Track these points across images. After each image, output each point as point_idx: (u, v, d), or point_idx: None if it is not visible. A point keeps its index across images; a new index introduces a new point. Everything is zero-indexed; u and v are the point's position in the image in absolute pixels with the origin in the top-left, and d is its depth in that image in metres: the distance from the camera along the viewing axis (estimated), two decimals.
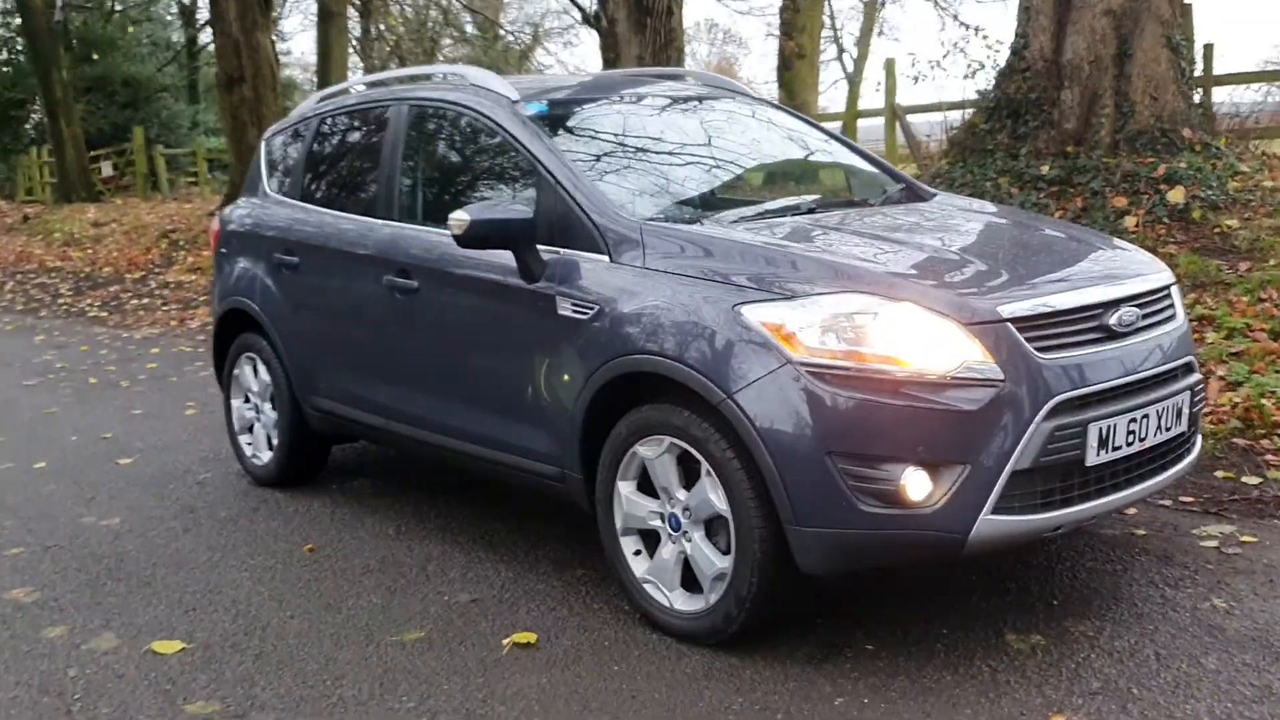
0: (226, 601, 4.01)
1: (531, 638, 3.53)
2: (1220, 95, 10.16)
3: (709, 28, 45.35)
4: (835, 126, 14.84)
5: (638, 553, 3.59)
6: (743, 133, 4.50)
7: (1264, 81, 9.84)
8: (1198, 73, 9.46)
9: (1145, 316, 3.37)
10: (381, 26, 29.98)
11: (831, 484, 3.05)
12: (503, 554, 4.29)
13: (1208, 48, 9.68)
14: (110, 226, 18.64)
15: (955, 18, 22.10)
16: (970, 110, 8.57)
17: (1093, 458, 3.14)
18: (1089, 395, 3.14)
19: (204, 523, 4.90)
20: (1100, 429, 3.14)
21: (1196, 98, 9.41)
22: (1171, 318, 3.52)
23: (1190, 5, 9.00)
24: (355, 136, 5.03)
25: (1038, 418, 3.05)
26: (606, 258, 3.61)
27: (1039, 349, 3.10)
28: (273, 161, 5.49)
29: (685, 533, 3.41)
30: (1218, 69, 10.23)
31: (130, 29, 29.53)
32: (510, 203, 3.77)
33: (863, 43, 38.34)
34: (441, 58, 37.99)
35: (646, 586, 3.54)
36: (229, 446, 5.67)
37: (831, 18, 42.23)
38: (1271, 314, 5.72)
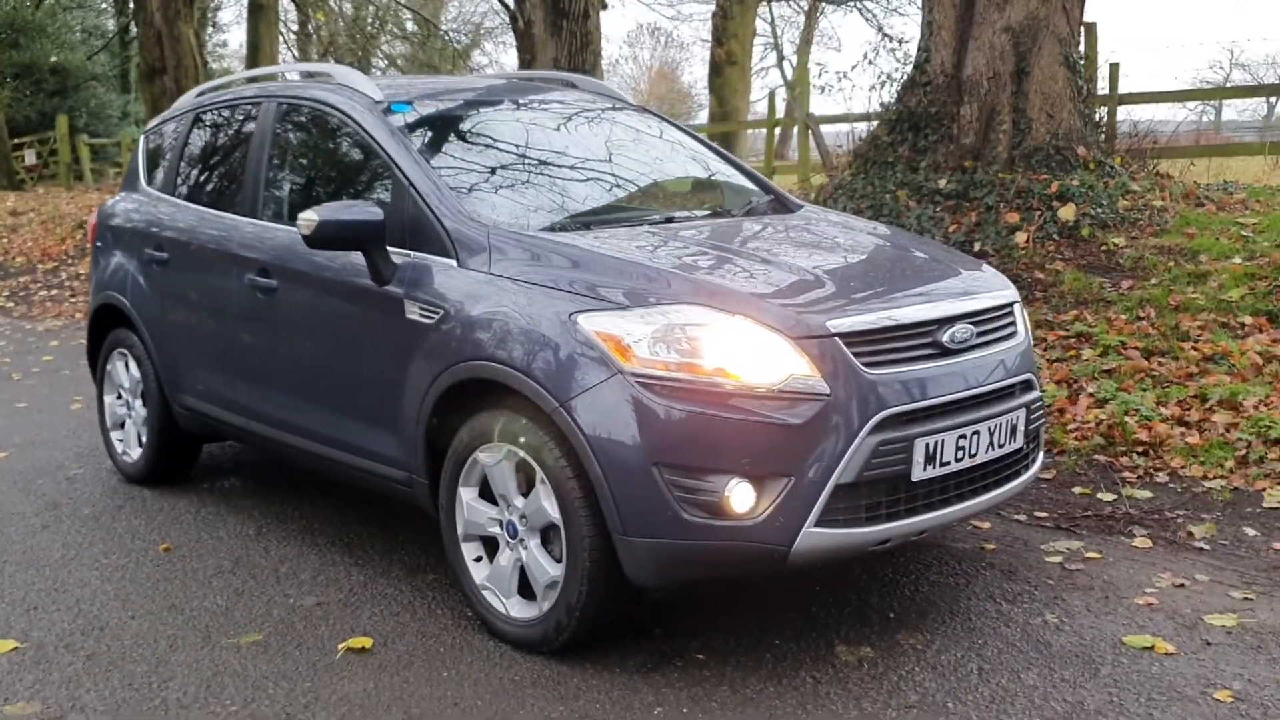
0: (70, 600, 3.94)
1: (368, 642, 3.50)
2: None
3: (651, 31, 45.40)
4: (760, 134, 14.94)
5: (478, 559, 3.58)
6: (612, 140, 4.49)
7: (1168, 101, 10.03)
8: (1104, 91, 9.63)
9: (981, 334, 3.40)
10: (318, 22, 29.59)
11: (658, 495, 3.06)
12: (358, 557, 4.25)
13: (1114, 67, 9.85)
14: (28, 216, 18.24)
15: (879, 30, 22.30)
16: (877, 122, 8.65)
17: (919, 473, 3.17)
18: (916, 411, 3.17)
19: (65, 520, 4.81)
20: (927, 444, 3.17)
21: (1103, 115, 9.61)
22: (1012, 335, 3.57)
23: (1094, 25, 9.17)
24: (226, 132, 4.96)
25: (863, 432, 3.07)
26: (454, 262, 3.59)
27: (867, 364, 3.13)
28: (150, 155, 5.40)
29: (522, 540, 3.40)
30: (1137, 88, 10.41)
31: (59, 16, 28.90)
32: (362, 204, 3.73)
33: (802, 51, 38.66)
34: (379, 54, 37.72)
35: (485, 593, 3.53)
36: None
37: (772, 25, 42.59)
38: (1147, 332, 5.82)
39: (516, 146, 4.24)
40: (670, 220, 3.96)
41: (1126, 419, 4.99)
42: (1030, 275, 6.73)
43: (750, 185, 4.60)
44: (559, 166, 4.21)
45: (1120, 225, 7.08)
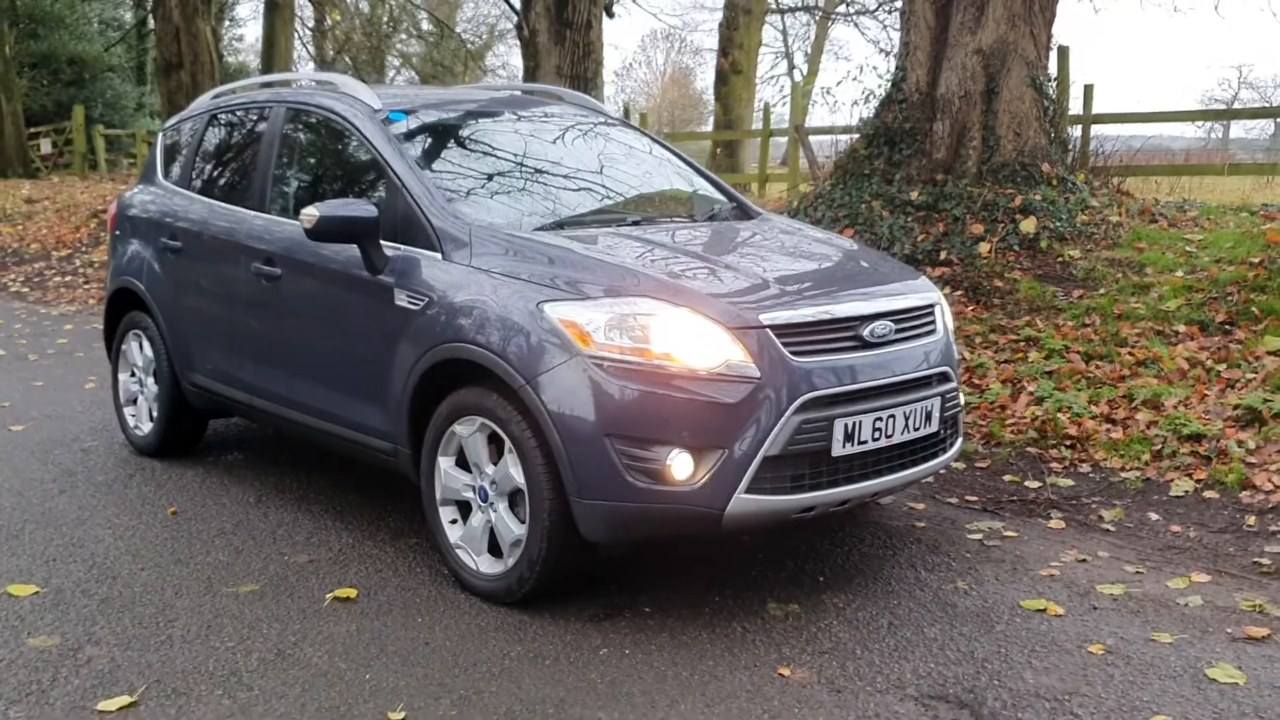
0: (86, 554, 4.37)
1: (352, 593, 3.94)
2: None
3: (665, 36, 45.93)
4: (755, 144, 15.38)
5: (454, 521, 4.01)
6: (590, 150, 4.94)
7: (1137, 121, 10.45)
8: (1078, 111, 10.06)
9: (900, 330, 3.84)
10: (332, 21, 30.09)
11: (609, 462, 3.50)
12: (349, 522, 4.68)
13: (1087, 88, 10.28)
14: (43, 204, 18.70)
15: (877, 46, 22.77)
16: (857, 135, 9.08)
17: (839, 449, 3.61)
18: (836, 395, 3.61)
19: (80, 486, 5.24)
20: (846, 425, 3.61)
21: (1076, 133, 10.05)
22: (931, 332, 4.00)
23: (1067, 49, 9.61)
24: (238, 133, 5.41)
25: (788, 412, 3.51)
26: (439, 255, 4.03)
27: (794, 353, 3.57)
28: (167, 151, 5.85)
29: (492, 504, 3.84)
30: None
31: (78, 7, 29.41)
32: (359, 202, 4.17)
33: (813, 60, 39.09)
34: (394, 53, 38.24)
35: (459, 551, 3.97)
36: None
37: (784, 34, 43.06)
38: (1090, 338, 6.25)
39: (501, 153, 4.68)
40: (637, 224, 4.39)
41: (1059, 415, 5.42)
42: (990, 283, 7.17)
43: (716, 194, 5.03)
44: (539, 173, 4.65)
45: (1077, 238, 7.51)
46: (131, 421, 5.82)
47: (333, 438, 4.54)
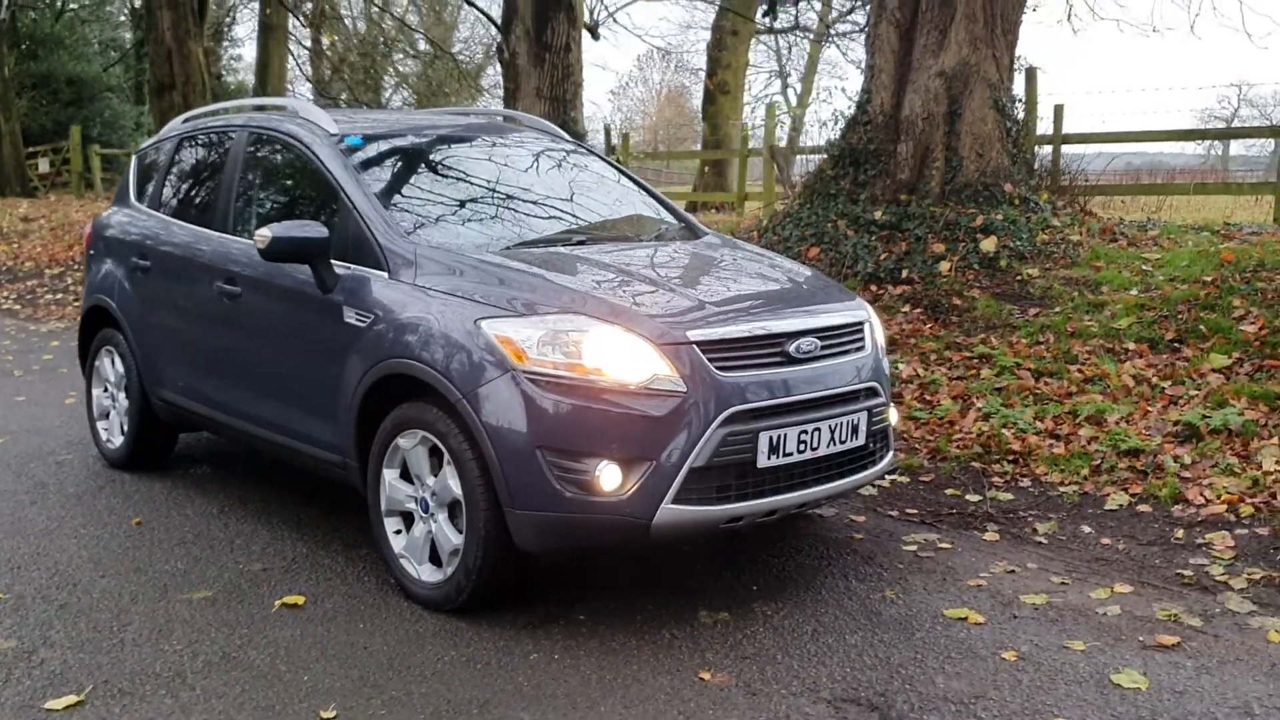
0: (50, 562, 4.51)
1: (300, 600, 4.08)
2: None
3: (662, 55, 46.26)
4: (755, 161, 15.57)
5: (398, 531, 4.15)
6: (542, 172, 5.10)
7: (1105, 142, 10.60)
8: (1048, 132, 10.23)
9: (827, 347, 3.98)
10: (327, 43, 30.37)
11: (540, 474, 3.64)
12: (305, 534, 4.82)
13: (1057, 109, 10.44)
14: (39, 222, 18.91)
15: (857, 67, 22.98)
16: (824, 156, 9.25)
17: (764, 461, 3.75)
18: (762, 408, 3.75)
19: (51, 497, 5.39)
20: (771, 437, 3.75)
21: (1046, 151, 10.21)
22: (859, 349, 4.14)
23: (1034, 70, 9.78)
24: (205, 156, 5.57)
25: (714, 425, 3.65)
26: (387, 274, 4.18)
27: (720, 368, 3.71)
28: (140, 173, 6.02)
29: (433, 514, 3.98)
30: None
31: (78, 28, 29.75)
32: (311, 223, 4.33)
33: (807, 81, 39.36)
34: (390, 73, 38.52)
35: (402, 561, 4.10)
36: None
37: (777, 54, 43.35)
38: (1041, 355, 6.39)
39: (453, 177, 4.85)
40: (581, 244, 4.54)
41: (1004, 431, 5.56)
42: (949, 301, 7.31)
43: (664, 216, 5.18)
44: (490, 195, 4.81)
45: (1036, 257, 7.66)
46: (104, 435, 5.97)
47: (288, 450, 4.68)
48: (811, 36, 32.63)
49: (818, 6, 26.73)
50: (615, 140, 17.51)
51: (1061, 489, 5.12)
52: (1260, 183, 11.56)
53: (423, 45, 37.24)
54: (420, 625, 3.88)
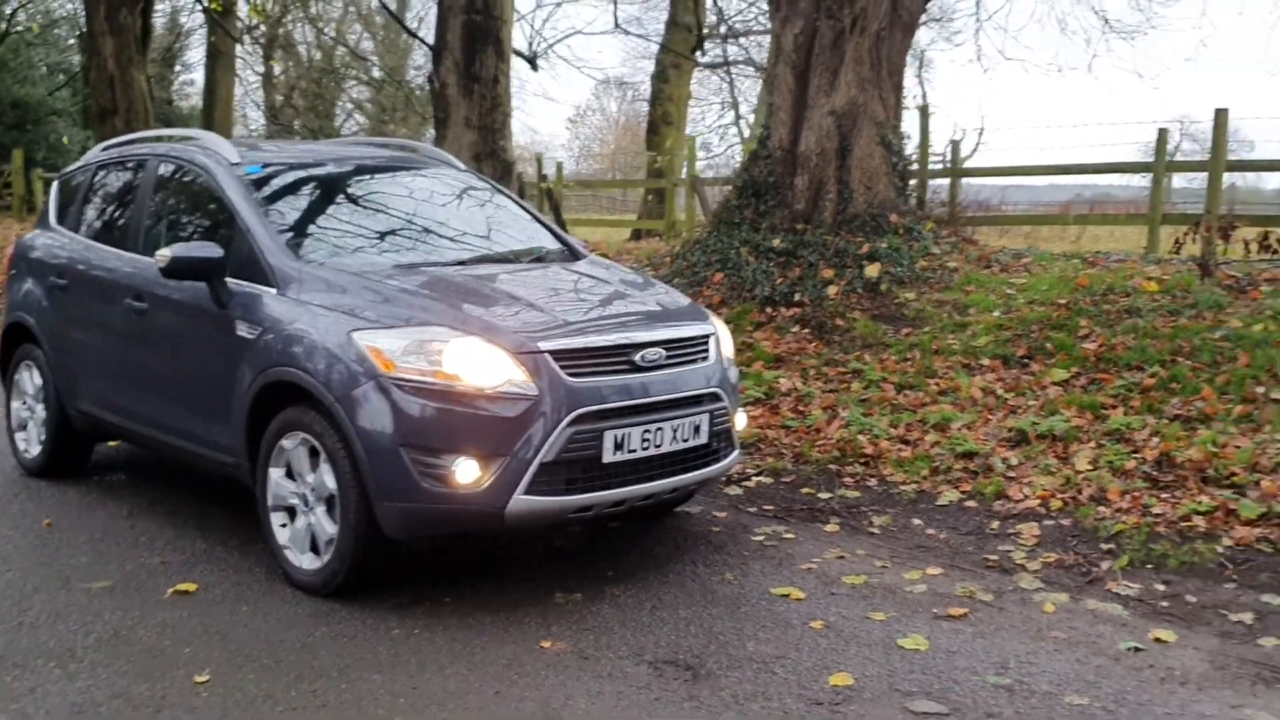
0: None
1: (192, 587, 4.47)
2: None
3: (619, 85, 46.99)
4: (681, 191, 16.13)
5: (284, 525, 4.57)
6: (434, 198, 5.56)
7: (999, 175, 11.25)
8: (943, 165, 10.84)
9: (671, 357, 4.46)
10: (279, 70, 30.69)
11: (404, 469, 4.08)
12: (206, 532, 5.20)
13: (954, 144, 11.12)
14: None
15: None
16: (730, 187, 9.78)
17: (609, 456, 4.21)
18: (606, 410, 4.21)
19: None
20: (616, 435, 4.21)
21: (945, 184, 10.82)
22: (703, 359, 4.62)
23: (926, 107, 10.40)
24: (120, 181, 5.97)
25: (561, 424, 4.11)
26: (275, 290, 4.61)
27: (570, 374, 4.18)
28: (60, 197, 6.41)
29: (312, 508, 4.40)
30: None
31: (23, 51, 29.81)
32: (207, 244, 4.76)
33: (759, 112, 40.15)
34: (344, 99, 38.90)
35: (286, 551, 4.52)
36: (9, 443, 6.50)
37: (730, 85, 44.22)
38: (905, 370, 6.92)
39: (347, 203, 5.29)
40: (460, 265, 5.00)
41: (859, 437, 6.07)
42: (833, 322, 7.84)
43: (546, 239, 5.65)
44: (381, 220, 5.26)
45: (915, 282, 8.22)
46: (22, 445, 6.32)
47: (189, 454, 5.08)
48: (755, 71, 33.49)
49: (757, 42, 27.55)
50: (548, 170, 17.98)
51: (902, 488, 5.62)
52: (1135, 215, 12.20)
53: (377, 72, 37.67)
54: (299, 607, 4.28)
